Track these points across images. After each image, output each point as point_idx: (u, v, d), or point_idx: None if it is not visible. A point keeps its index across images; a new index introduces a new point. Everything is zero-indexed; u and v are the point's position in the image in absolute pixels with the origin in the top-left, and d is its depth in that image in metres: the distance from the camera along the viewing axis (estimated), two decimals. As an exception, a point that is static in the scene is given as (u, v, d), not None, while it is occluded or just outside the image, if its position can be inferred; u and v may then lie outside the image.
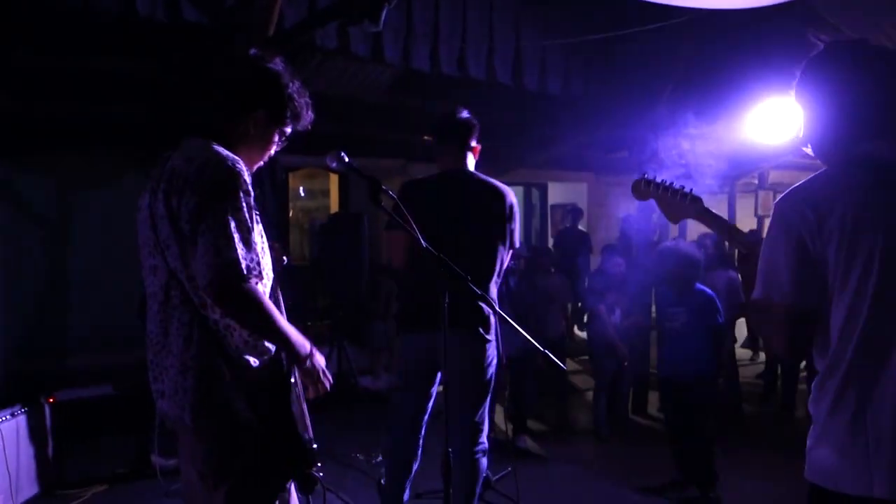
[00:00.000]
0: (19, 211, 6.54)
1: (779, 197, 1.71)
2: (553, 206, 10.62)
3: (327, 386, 2.03)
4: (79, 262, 6.59)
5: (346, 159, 2.18)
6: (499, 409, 6.51)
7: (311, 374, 2.00)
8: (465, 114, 3.40)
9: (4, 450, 3.63)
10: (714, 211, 2.07)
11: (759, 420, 6.87)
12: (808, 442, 1.68)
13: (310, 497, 2.09)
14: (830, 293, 1.60)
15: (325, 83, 6.30)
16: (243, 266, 1.80)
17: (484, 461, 3.14)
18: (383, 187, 2.17)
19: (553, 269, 7.00)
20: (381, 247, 7.64)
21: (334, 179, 9.48)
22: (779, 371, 7.35)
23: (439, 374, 3.20)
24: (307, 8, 5.03)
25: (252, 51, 2.05)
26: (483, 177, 3.32)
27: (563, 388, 7.11)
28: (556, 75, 6.38)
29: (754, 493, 4.93)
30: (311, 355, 1.98)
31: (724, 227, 2.05)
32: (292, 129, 2.10)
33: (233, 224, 1.81)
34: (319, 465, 2.02)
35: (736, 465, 5.23)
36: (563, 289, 6.86)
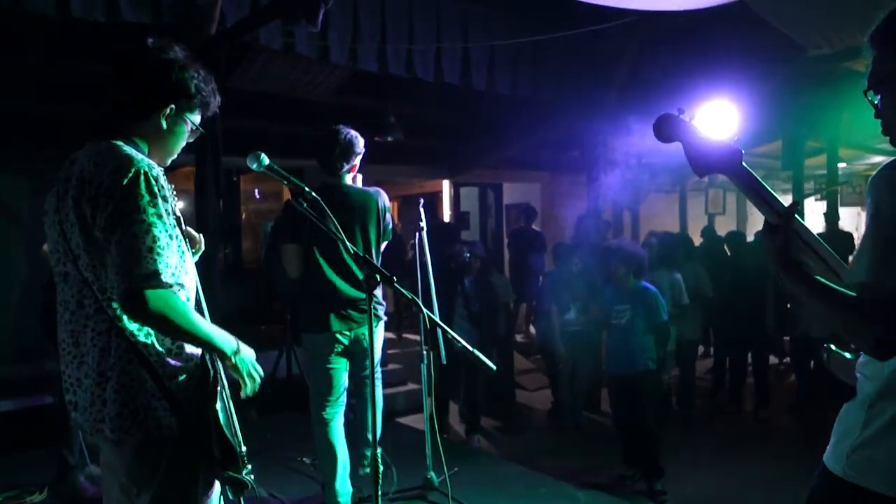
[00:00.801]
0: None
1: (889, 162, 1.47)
2: (508, 206, 10.68)
3: (257, 379, 2.00)
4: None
5: (266, 160, 2.16)
6: (452, 410, 6.54)
7: (238, 370, 1.96)
8: (348, 134, 3.50)
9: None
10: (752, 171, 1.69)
11: (707, 415, 6.99)
12: (848, 442, 1.61)
13: (241, 500, 2.06)
14: None
15: (273, 83, 6.25)
16: (165, 276, 1.75)
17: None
18: (306, 189, 2.15)
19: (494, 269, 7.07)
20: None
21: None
22: (727, 366, 7.50)
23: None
24: (249, 8, 4.98)
25: (149, 41, 1.95)
26: (355, 186, 3.64)
27: (513, 387, 7.16)
28: (505, 76, 6.42)
29: (699, 486, 5.02)
30: (237, 351, 1.94)
31: (758, 190, 1.67)
32: (202, 117, 2.03)
33: (152, 232, 1.75)
34: (250, 467, 2.00)
35: (684, 460, 5.32)
36: (505, 288, 6.92)
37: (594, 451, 5.68)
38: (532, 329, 9.17)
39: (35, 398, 5.07)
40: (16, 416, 4.76)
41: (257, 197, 11.09)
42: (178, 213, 2.21)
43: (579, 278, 6.21)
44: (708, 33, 6.11)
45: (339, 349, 3.47)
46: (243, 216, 9.50)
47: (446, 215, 10.91)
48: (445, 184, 10.89)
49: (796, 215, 1.64)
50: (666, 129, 1.72)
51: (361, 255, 2.21)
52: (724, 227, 9.92)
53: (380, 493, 2.26)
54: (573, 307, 6.23)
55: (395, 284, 2.20)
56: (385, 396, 7.42)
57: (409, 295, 2.29)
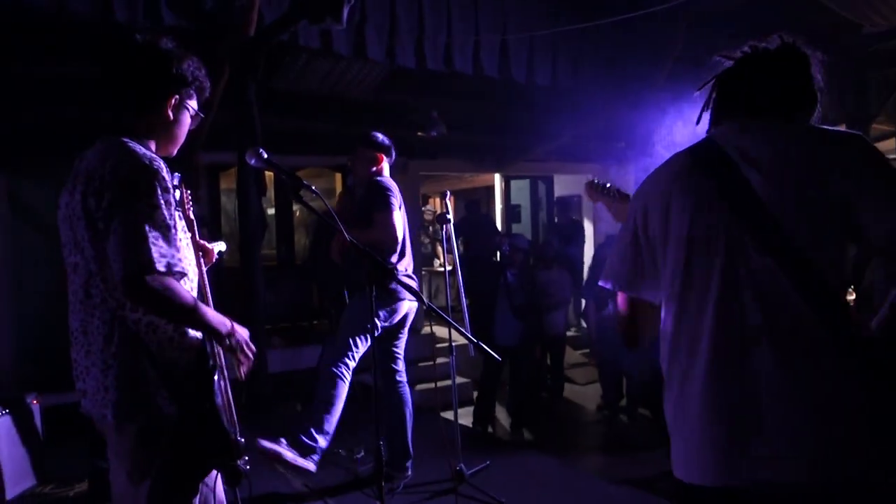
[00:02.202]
0: (23, 216, 6.68)
1: None
2: (559, 199, 10.53)
3: (251, 356, 2.03)
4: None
5: (265, 156, 2.19)
6: (499, 403, 6.53)
7: (234, 350, 2.00)
8: (379, 137, 3.79)
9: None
10: None
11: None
12: None
13: (236, 490, 2.10)
14: None
15: (313, 83, 6.33)
16: (160, 264, 1.80)
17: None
18: (305, 183, 2.17)
19: (553, 265, 6.96)
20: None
21: (339, 179, 9.50)
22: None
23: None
24: (287, 8, 5.05)
25: (137, 37, 2.01)
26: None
27: (562, 381, 7.08)
28: (545, 66, 6.33)
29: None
30: (231, 332, 1.98)
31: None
32: (199, 103, 2.09)
33: (148, 222, 1.81)
34: (246, 458, 2.04)
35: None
36: (562, 284, 6.82)
37: (642, 446, 5.56)
38: (583, 323, 9.07)
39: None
40: (63, 410, 4.99)
41: (312, 194, 11.23)
42: (192, 216, 2.27)
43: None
44: (756, 14, 5.87)
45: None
46: (296, 213, 9.64)
47: (497, 209, 10.86)
48: (497, 177, 10.82)
49: None
50: (593, 193, 2.43)
51: (361, 247, 2.22)
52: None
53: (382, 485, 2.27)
54: (611, 302, 6.11)
55: (396, 278, 2.21)
56: (424, 391, 7.51)
57: (410, 288, 2.29)
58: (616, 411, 6.49)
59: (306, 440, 3.45)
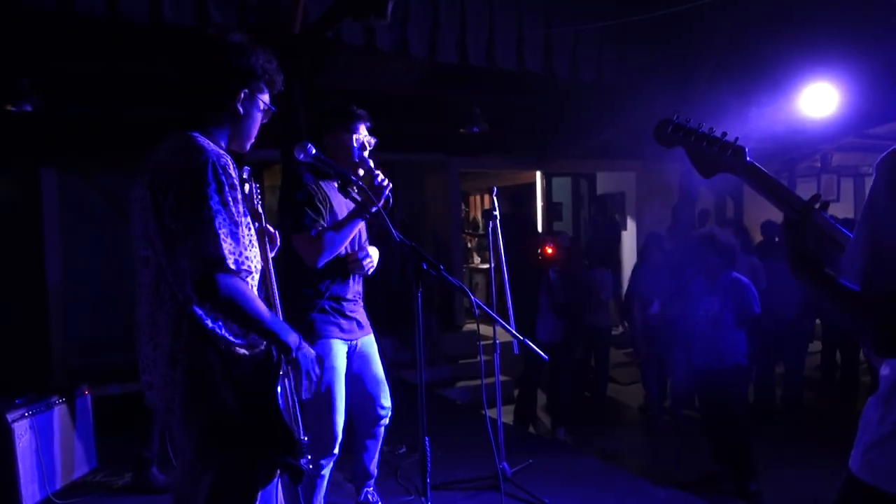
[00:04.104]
0: (72, 210, 6.86)
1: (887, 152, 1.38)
2: (599, 197, 10.44)
3: (314, 380, 2.03)
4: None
5: (314, 151, 2.19)
6: (539, 400, 6.49)
7: (298, 367, 2.00)
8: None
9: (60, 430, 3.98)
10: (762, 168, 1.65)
11: (815, 413, 6.59)
12: (865, 438, 1.49)
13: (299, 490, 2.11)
14: None
15: (357, 80, 6.36)
16: (229, 261, 1.81)
17: None
18: (353, 179, 2.18)
19: (587, 263, 6.89)
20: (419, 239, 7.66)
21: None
22: (838, 361, 7.05)
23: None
24: (331, 5, 5.08)
25: (210, 31, 2.02)
26: None
27: (605, 380, 7.00)
28: (589, 62, 6.26)
29: (804, 486, 4.72)
30: (299, 348, 1.98)
31: (771, 187, 1.63)
32: (270, 96, 2.08)
33: (217, 219, 1.80)
34: (309, 457, 2.04)
35: (790, 459, 5.04)
36: (605, 284, 6.73)
37: (685, 447, 5.47)
38: (626, 322, 8.96)
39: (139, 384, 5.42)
40: (120, 400, 5.09)
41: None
42: (259, 209, 2.28)
43: (665, 269, 5.98)
44: (805, 6, 5.72)
45: None
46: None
47: (538, 206, 10.79)
48: (538, 174, 10.75)
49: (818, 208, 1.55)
50: (665, 135, 1.69)
51: (408, 243, 2.21)
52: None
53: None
54: (656, 300, 6.01)
55: (443, 273, 2.20)
56: (466, 388, 7.49)
57: (458, 283, 2.28)
58: (659, 412, 6.40)
59: None
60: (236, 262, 1.82)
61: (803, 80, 6.24)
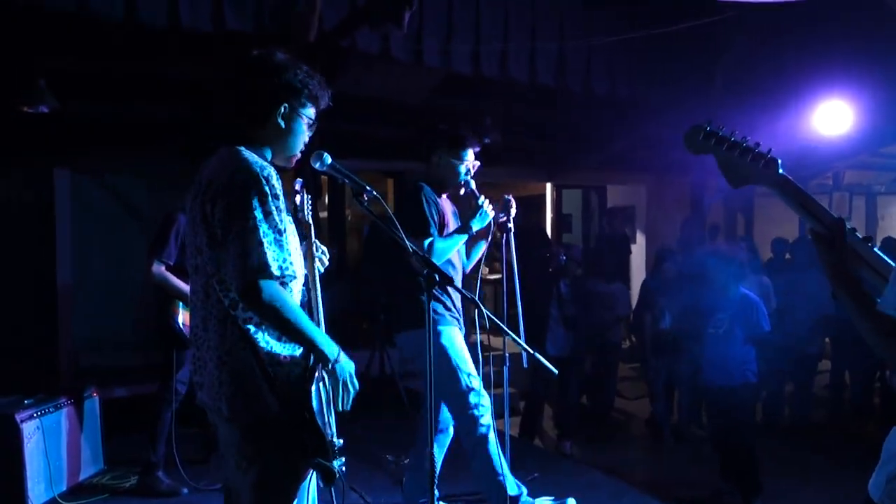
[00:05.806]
0: (85, 211, 6.90)
1: None
2: (609, 210, 10.43)
3: (352, 391, 2.08)
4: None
5: (329, 160, 2.21)
6: (546, 414, 6.47)
7: (336, 377, 2.07)
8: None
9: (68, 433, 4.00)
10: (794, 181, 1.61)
11: (823, 432, 6.54)
12: (890, 468, 1.49)
13: (332, 491, 2.13)
14: None
15: (371, 88, 6.39)
16: (273, 269, 1.90)
17: None
18: (367, 188, 2.19)
19: (613, 278, 6.85)
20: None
21: (391, 184, 9.57)
22: (847, 381, 7.01)
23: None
24: (347, 14, 5.11)
25: (254, 51, 2.09)
26: None
27: (612, 395, 6.97)
28: (602, 76, 6.27)
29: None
30: (338, 359, 2.04)
31: (803, 201, 1.59)
32: (315, 112, 2.15)
33: (262, 228, 1.89)
34: (343, 460, 2.06)
35: (797, 478, 5.01)
36: (620, 299, 6.70)
37: (692, 463, 5.44)
38: (634, 336, 8.93)
39: (148, 386, 5.43)
40: (127, 402, 5.12)
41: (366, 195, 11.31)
42: (310, 220, 2.34)
43: (676, 284, 5.96)
44: (819, 24, 5.71)
45: None
46: (349, 217, 9.75)
47: (548, 218, 10.78)
48: (548, 186, 10.76)
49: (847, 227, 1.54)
50: (696, 142, 1.64)
51: (421, 254, 2.21)
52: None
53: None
54: (667, 314, 5.99)
55: (454, 285, 2.20)
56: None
57: (470, 296, 2.28)
58: (666, 427, 6.37)
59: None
60: (280, 267, 1.93)
61: (817, 97, 6.23)
